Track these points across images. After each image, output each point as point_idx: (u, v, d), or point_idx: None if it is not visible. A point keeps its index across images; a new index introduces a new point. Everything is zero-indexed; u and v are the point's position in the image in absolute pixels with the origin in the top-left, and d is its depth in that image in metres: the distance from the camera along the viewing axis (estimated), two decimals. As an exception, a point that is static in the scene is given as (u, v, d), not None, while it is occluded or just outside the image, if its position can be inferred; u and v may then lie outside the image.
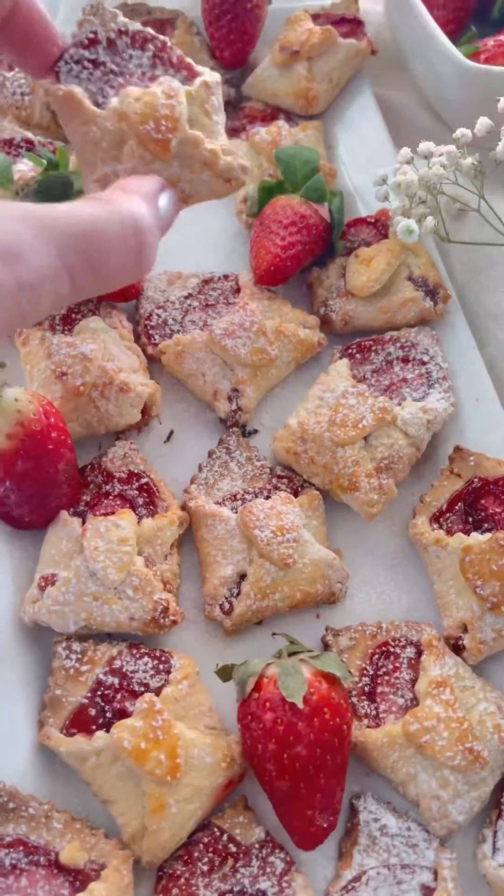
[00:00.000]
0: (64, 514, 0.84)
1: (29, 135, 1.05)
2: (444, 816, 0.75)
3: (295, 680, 0.72)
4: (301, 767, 0.71)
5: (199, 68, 0.64)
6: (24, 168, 0.97)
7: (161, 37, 0.63)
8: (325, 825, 0.73)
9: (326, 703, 0.72)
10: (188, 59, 0.64)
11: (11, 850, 0.70)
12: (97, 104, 0.60)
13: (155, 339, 0.98)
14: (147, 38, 0.63)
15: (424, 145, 0.91)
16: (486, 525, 0.86)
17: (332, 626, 0.85)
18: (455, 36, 1.17)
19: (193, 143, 0.59)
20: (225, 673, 0.78)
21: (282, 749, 0.71)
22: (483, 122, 0.89)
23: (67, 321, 0.95)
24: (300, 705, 0.71)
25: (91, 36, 0.61)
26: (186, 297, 1.00)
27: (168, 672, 0.79)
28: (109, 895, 0.68)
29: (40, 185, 0.90)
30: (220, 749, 0.75)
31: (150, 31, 0.63)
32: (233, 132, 1.14)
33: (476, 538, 0.82)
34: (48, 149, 1.00)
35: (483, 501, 0.87)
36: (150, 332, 0.99)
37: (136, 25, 0.63)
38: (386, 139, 1.11)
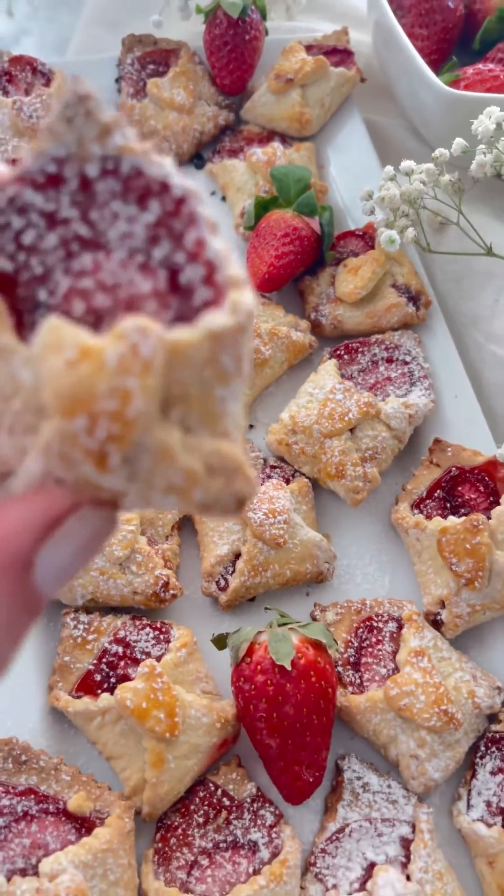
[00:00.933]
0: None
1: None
2: (422, 774, 0.81)
3: (284, 645, 0.79)
4: (289, 725, 0.78)
5: (230, 274, 0.34)
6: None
7: (180, 184, 0.34)
8: (311, 780, 0.80)
9: (313, 667, 0.79)
10: (216, 251, 0.34)
11: (23, 798, 0.76)
12: (31, 308, 0.34)
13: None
14: (151, 189, 0.34)
15: (406, 163, 0.99)
16: (462, 510, 0.93)
17: (319, 603, 0.92)
18: (438, 66, 1.26)
19: (158, 456, 0.32)
20: (220, 642, 0.84)
21: (271, 708, 0.78)
22: (458, 143, 0.97)
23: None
24: (288, 668, 0.77)
25: (52, 166, 0.34)
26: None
27: (168, 641, 0.86)
28: (112, 839, 0.74)
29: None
30: (216, 711, 0.81)
31: (160, 170, 0.34)
32: (231, 153, 1.22)
33: (452, 521, 0.89)
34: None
35: (460, 488, 0.94)
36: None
37: (135, 158, 0.34)
38: (373, 160, 1.19)
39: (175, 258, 0.33)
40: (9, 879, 0.70)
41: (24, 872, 0.72)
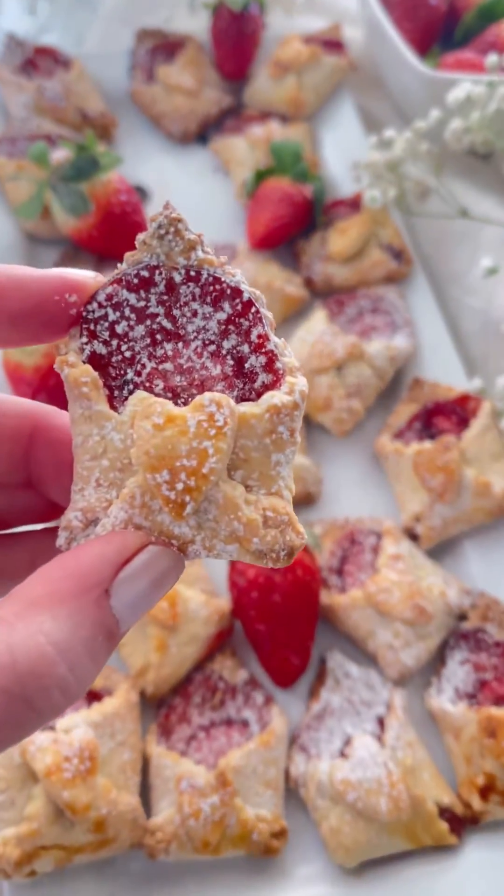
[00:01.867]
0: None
1: (64, 132, 1.26)
2: (397, 662, 0.90)
3: (273, 543, 0.89)
4: (277, 612, 0.88)
5: (287, 361, 0.41)
6: (59, 156, 1.17)
7: (248, 290, 0.41)
8: (297, 662, 0.89)
9: (299, 563, 0.89)
10: (276, 344, 0.41)
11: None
12: (120, 385, 0.41)
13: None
14: (225, 293, 0.41)
15: (388, 132, 1.11)
16: (436, 438, 1.03)
17: (308, 520, 1.02)
18: (422, 55, 1.38)
19: (225, 508, 0.39)
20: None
21: (262, 596, 0.88)
22: (434, 114, 1.09)
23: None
24: (277, 562, 0.87)
25: (146, 272, 0.41)
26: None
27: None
28: (120, 706, 0.84)
29: (73, 163, 1.10)
30: (213, 605, 0.91)
31: (232, 279, 0.41)
32: (233, 132, 1.34)
33: (427, 444, 0.99)
34: (80, 138, 1.21)
35: (435, 419, 1.04)
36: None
37: (214, 268, 0.41)
38: (362, 140, 1.31)
39: (241, 349, 0.41)
40: (29, 733, 0.80)
41: (42, 731, 0.81)
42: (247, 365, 0.41)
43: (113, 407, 0.41)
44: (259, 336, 0.41)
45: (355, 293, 1.16)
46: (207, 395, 0.39)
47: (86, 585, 0.35)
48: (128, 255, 0.42)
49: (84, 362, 0.41)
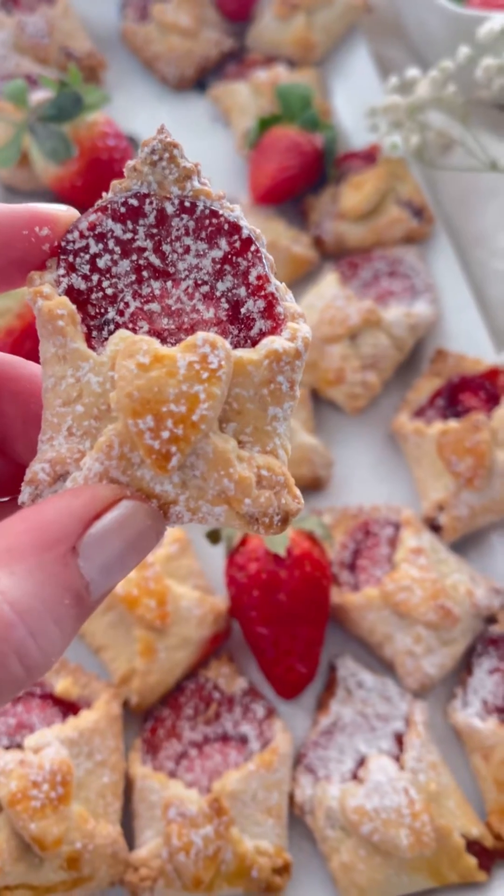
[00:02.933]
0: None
1: (45, 73, 1.13)
2: (418, 671, 0.79)
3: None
4: (282, 614, 0.76)
5: (288, 305, 0.37)
6: (40, 96, 1.04)
7: (247, 227, 0.37)
8: (303, 671, 0.78)
9: (307, 557, 0.77)
10: (276, 286, 0.37)
11: (9, 679, 0.74)
12: (100, 325, 0.37)
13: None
14: (222, 229, 0.37)
15: (411, 73, 0.98)
16: (463, 417, 0.91)
17: (316, 507, 0.91)
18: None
19: (215, 463, 0.35)
20: (214, 536, 0.83)
21: (265, 596, 0.76)
22: (462, 51, 0.96)
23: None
24: (283, 555, 0.76)
25: (134, 200, 0.37)
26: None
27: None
28: (100, 720, 0.73)
29: (54, 101, 0.97)
30: (207, 604, 0.80)
31: (231, 214, 0.37)
32: (235, 77, 1.21)
33: (452, 423, 0.88)
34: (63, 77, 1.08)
35: (461, 396, 0.92)
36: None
37: (210, 201, 0.37)
38: (377, 86, 1.18)
39: (238, 291, 0.37)
40: (-8, 753, 0.68)
41: (8, 750, 0.70)
42: (243, 309, 0.37)
43: (91, 348, 0.36)
44: (258, 277, 0.37)
45: (370, 254, 1.04)
46: (201, 334, 0.34)
47: (49, 540, 0.32)
48: (115, 182, 0.37)
49: (60, 295, 0.36)
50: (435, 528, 0.88)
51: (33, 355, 0.86)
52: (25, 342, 0.86)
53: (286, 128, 1.07)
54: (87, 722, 0.72)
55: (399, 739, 0.77)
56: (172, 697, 0.79)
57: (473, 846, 0.72)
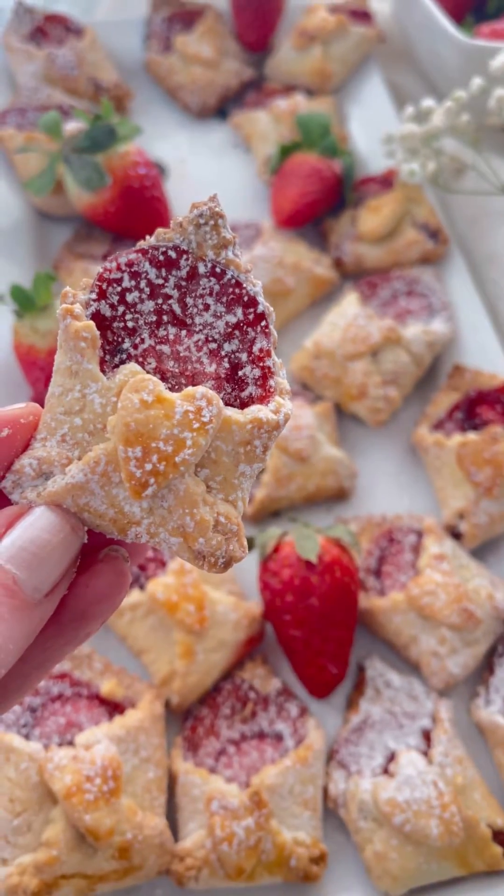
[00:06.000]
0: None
1: (75, 103, 1.18)
2: (442, 670, 0.83)
3: (309, 542, 0.82)
4: (314, 617, 0.80)
5: (280, 381, 0.42)
6: (73, 126, 1.09)
7: (263, 304, 0.41)
8: (335, 671, 0.82)
9: (337, 563, 0.82)
10: (274, 362, 0.41)
11: (59, 681, 0.79)
12: (113, 350, 0.41)
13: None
14: (241, 299, 0.41)
15: (426, 103, 1.03)
16: (480, 429, 0.96)
17: (342, 516, 0.95)
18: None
19: (183, 501, 0.39)
20: (248, 544, 0.87)
21: (297, 601, 0.81)
22: (476, 83, 1.01)
23: (106, 258, 1.07)
24: (314, 562, 0.80)
25: (173, 253, 0.41)
26: (213, 241, 1.12)
27: (196, 545, 0.89)
28: (144, 719, 0.77)
29: (88, 133, 1.03)
30: (242, 609, 0.84)
31: (252, 288, 0.41)
32: (254, 105, 1.27)
33: (472, 435, 0.92)
34: (94, 109, 1.13)
35: (478, 409, 0.97)
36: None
37: (238, 272, 0.41)
38: (392, 114, 1.24)
39: (240, 356, 0.41)
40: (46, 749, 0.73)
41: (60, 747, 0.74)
42: (241, 372, 0.41)
43: (101, 370, 0.40)
44: (261, 350, 0.41)
45: (388, 275, 1.09)
46: (201, 389, 0.39)
47: None
48: (160, 230, 0.41)
49: (87, 318, 0.40)
50: (456, 535, 0.93)
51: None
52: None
53: (306, 154, 1.12)
54: (132, 720, 0.76)
55: (426, 736, 0.81)
56: (210, 697, 0.83)
57: (499, 836, 0.76)
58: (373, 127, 1.25)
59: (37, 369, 0.91)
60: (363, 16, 1.31)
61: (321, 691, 0.83)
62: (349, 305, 1.03)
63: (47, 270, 1.04)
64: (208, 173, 1.24)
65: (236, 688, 0.83)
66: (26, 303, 0.89)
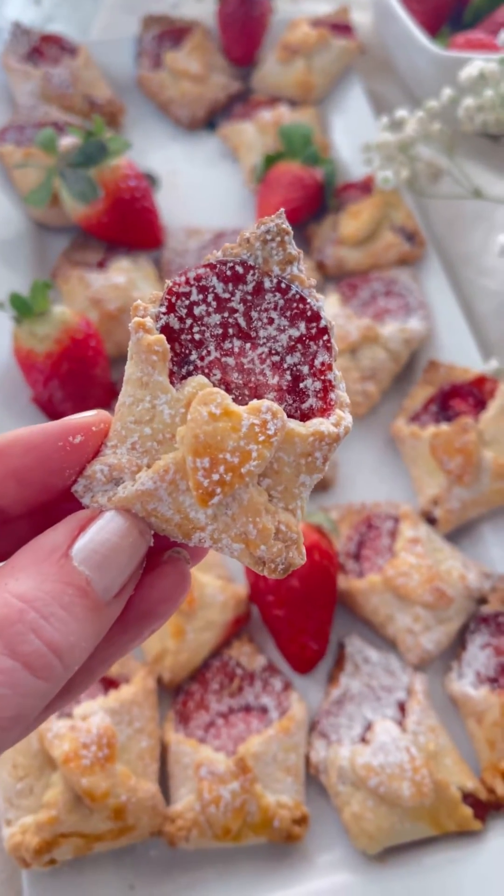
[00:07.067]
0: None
1: (71, 119, 1.25)
2: (417, 646, 0.89)
3: (290, 527, 0.88)
4: (295, 597, 0.86)
5: (340, 394, 0.43)
6: (67, 142, 1.16)
7: (326, 319, 0.43)
8: (315, 648, 0.88)
9: (316, 547, 0.88)
10: (335, 375, 0.43)
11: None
12: (180, 362, 0.42)
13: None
14: (305, 314, 0.42)
15: (399, 113, 1.09)
16: (453, 421, 1.01)
17: (324, 505, 1.01)
18: (432, 37, 1.36)
19: (246, 509, 0.40)
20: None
21: (279, 581, 0.86)
22: (446, 92, 1.07)
23: (101, 265, 1.14)
24: (294, 546, 0.86)
25: (240, 268, 0.42)
26: (202, 248, 1.18)
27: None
28: (136, 694, 0.83)
29: (81, 149, 1.09)
30: (229, 591, 0.90)
31: (316, 303, 0.42)
32: (242, 118, 1.33)
33: (444, 427, 0.98)
34: (87, 125, 1.20)
35: (451, 402, 1.03)
36: (172, 275, 1.16)
37: (302, 288, 0.42)
38: (372, 123, 1.29)
39: (302, 368, 0.42)
40: (46, 720, 0.79)
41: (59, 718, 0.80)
42: (302, 384, 0.42)
43: (170, 381, 0.41)
44: (322, 363, 0.42)
45: (368, 276, 1.14)
46: (266, 402, 0.40)
47: (43, 553, 0.38)
48: (227, 246, 0.42)
49: (157, 331, 0.41)
50: (431, 520, 0.98)
51: (70, 377, 0.97)
52: (63, 364, 0.97)
53: (289, 164, 1.18)
54: (126, 694, 0.82)
55: (402, 707, 0.86)
56: (200, 674, 0.89)
57: (469, 798, 0.82)
58: (354, 135, 1.31)
59: (35, 371, 0.97)
60: (344, 29, 1.37)
61: (303, 667, 0.89)
62: (330, 306, 1.09)
63: (45, 279, 1.10)
64: (198, 183, 1.30)
65: (224, 664, 0.89)
66: (25, 309, 0.96)
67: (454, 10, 1.39)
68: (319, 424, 0.41)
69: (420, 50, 1.22)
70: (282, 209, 0.42)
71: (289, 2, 1.48)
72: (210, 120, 1.37)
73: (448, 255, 1.20)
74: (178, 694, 0.88)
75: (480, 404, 1.01)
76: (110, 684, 0.85)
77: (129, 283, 1.08)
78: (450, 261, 1.19)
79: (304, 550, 0.42)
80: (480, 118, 1.07)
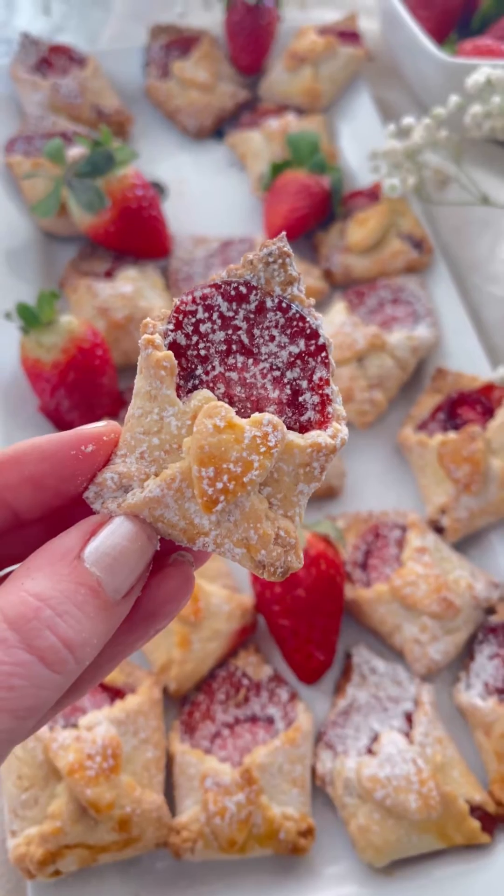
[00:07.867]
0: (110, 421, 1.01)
1: (79, 129, 1.26)
2: (424, 656, 0.88)
3: (296, 537, 0.87)
4: (301, 607, 0.86)
5: (337, 408, 0.45)
6: (75, 152, 1.16)
7: (324, 336, 0.45)
8: (321, 658, 0.88)
9: (322, 557, 0.87)
10: (332, 390, 0.45)
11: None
12: (186, 376, 0.45)
13: (182, 291, 1.16)
14: (304, 332, 0.45)
15: (406, 120, 1.09)
16: (461, 429, 1.01)
17: (331, 514, 1.00)
18: (439, 43, 1.36)
19: (248, 516, 0.43)
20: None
21: (285, 591, 0.86)
22: (453, 100, 1.07)
23: (109, 274, 1.14)
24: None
25: (244, 288, 0.45)
26: (209, 256, 1.18)
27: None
28: (143, 703, 0.83)
29: (89, 159, 1.10)
30: (235, 600, 0.90)
31: (315, 322, 0.45)
32: (249, 126, 1.33)
33: (452, 435, 0.97)
34: (95, 135, 1.20)
35: (459, 410, 1.02)
36: (179, 284, 1.17)
37: (302, 307, 0.45)
38: (380, 130, 1.29)
39: (301, 383, 0.45)
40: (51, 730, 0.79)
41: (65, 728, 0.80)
42: (301, 398, 0.45)
43: (177, 395, 0.43)
44: (320, 379, 0.45)
45: (375, 284, 1.14)
46: (267, 415, 0.42)
47: (57, 554, 0.40)
48: (231, 267, 0.45)
49: (165, 347, 0.44)
50: (438, 529, 0.98)
51: (77, 386, 0.97)
52: (69, 373, 0.98)
53: (296, 172, 1.18)
54: (132, 704, 0.82)
55: (409, 718, 0.86)
56: (206, 684, 0.89)
57: (476, 811, 0.81)
58: (362, 142, 1.31)
59: (42, 381, 0.98)
60: (351, 36, 1.37)
61: (309, 677, 0.88)
62: (337, 314, 1.09)
63: (52, 289, 1.11)
64: (206, 191, 1.30)
65: (230, 675, 0.89)
66: (32, 319, 0.96)
67: (462, 16, 1.39)
68: (317, 436, 0.43)
69: (427, 57, 1.22)
70: (283, 233, 0.44)
71: (296, 10, 1.49)
72: (218, 128, 1.37)
73: (456, 263, 1.19)
74: (184, 704, 0.88)
75: (488, 412, 1.00)
76: (116, 694, 0.85)
77: (136, 292, 1.08)
78: (457, 268, 1.19)
79: (302, 555, 0.44)
80: (488, 125, 1.06)
